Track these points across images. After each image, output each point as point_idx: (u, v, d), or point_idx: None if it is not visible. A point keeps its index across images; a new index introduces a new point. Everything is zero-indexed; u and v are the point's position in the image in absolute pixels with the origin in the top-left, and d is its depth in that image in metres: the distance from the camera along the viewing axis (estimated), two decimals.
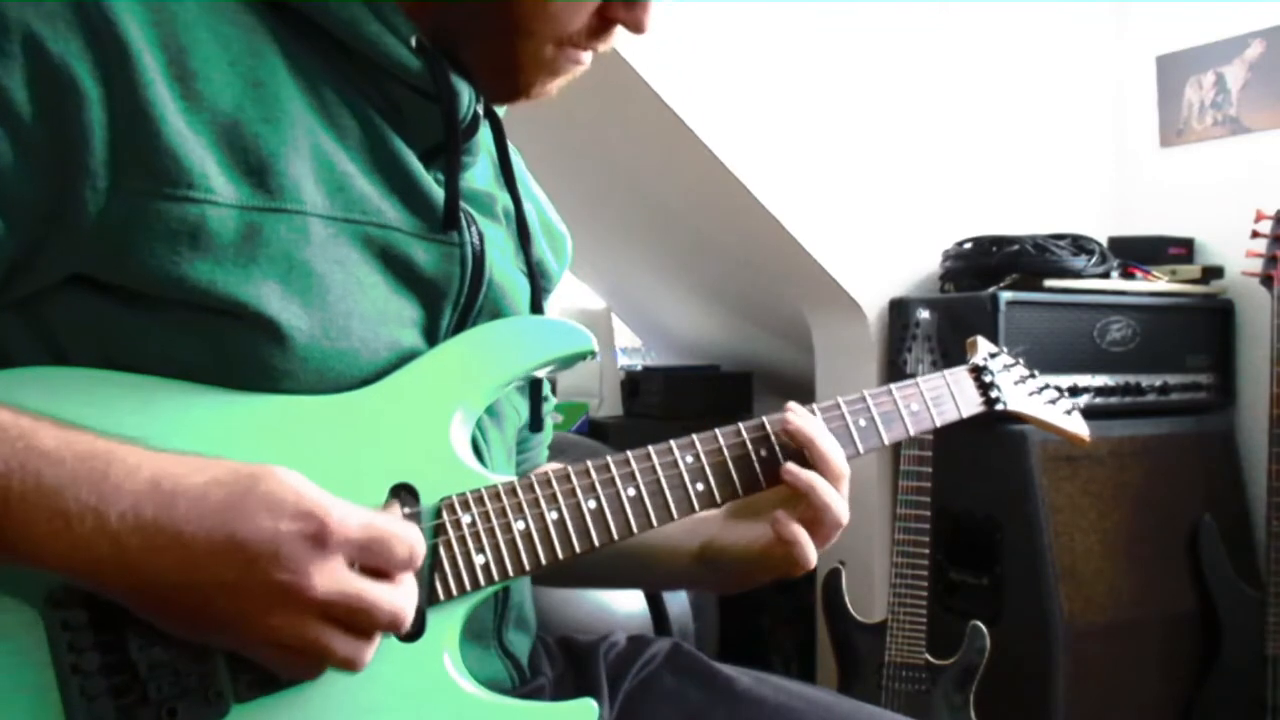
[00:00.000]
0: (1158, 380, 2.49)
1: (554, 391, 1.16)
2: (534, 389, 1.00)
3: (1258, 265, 2.35)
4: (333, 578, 0.70)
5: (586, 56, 0.89)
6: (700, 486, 0.90)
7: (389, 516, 0.75)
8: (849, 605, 2.27)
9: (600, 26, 0.87)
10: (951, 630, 2.18)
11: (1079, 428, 1.18)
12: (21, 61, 0.69)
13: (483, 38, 0.86)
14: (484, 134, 0.94)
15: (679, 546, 1.03)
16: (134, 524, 0.67)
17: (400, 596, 0.73)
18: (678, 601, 1.95)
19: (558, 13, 0.84)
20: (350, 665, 0.72)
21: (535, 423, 1.01)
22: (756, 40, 2.40)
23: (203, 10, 0.76)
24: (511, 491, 0.83)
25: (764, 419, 0.95)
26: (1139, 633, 2.34)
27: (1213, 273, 2.62)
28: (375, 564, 0.72)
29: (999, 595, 2.30)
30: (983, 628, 2.14)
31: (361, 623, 0.71)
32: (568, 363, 0.93)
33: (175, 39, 0.73)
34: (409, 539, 0.74)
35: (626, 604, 1.78)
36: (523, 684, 0.98)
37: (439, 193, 0.86)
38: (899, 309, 2.53)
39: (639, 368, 3.65)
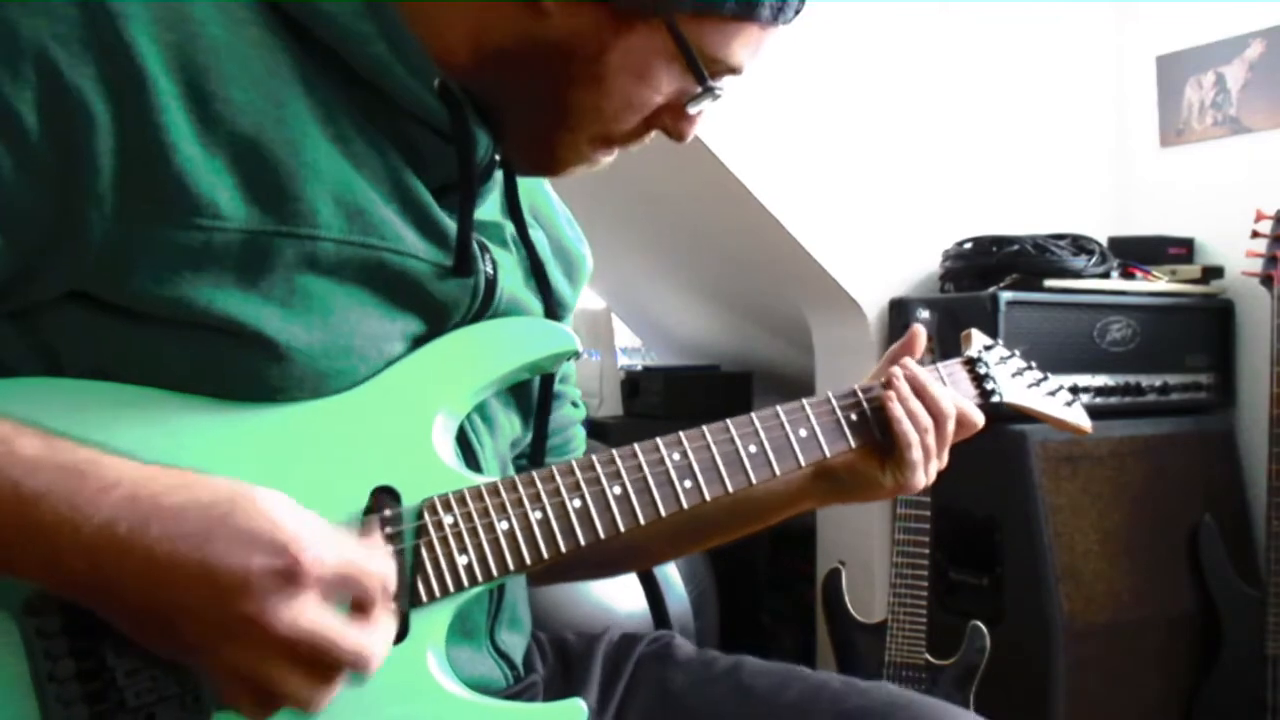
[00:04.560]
0: (1158, 380, 2.49)
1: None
2: (542, 403, 0.99)
3: (1258, 265, 2.35)
4: (298, 616, 0.68)
5: (616, 153, 0.91)
6: (688, 483, 0.89)
7: (365, 549, 0.73)
8: (849, 605, 2.27)
9: (642, 130, 0.89)
10: (951, 630, 2.18)
11: (1080, 419, 1.15)
12: (33, 83, 0.68)
13: (528, 120, 0.87)
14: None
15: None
16: (108, 540, 0.66)
17: (368, 637, 0.71)
18: (678, 601, 1.95)
19: (609, 117, 0.85)
20: (304, 706, 0.70)
21: (538, 448, 1.00)
22: None
23: (225, 31, 0.75)
24: (494, 491, 0.82)
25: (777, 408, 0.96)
26: (1139, 633, 2.34)
27: (1213, 273, 2.61)
28: (348, 599, 0.71)
29: (999, 595, 2.30)
30: (983, 628, 2.14)
31: (323, 662, 0.69)
32: (551, 363, 0.93)
33: (194, 60, 0.72)
34: (380, 572, 0.72)
35: (627, 602, 1.78)
36: (516, 683, 0.97)
37: (452, 227, 0.86)
38: (899, 309, 2.53)
39: (639, 368, 3.65)
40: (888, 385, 1.02)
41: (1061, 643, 2.22)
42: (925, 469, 1.03)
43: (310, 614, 0.68)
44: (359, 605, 0.71)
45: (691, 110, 0.88)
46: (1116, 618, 2.31)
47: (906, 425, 1.01)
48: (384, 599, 0.72)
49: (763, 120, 2.42)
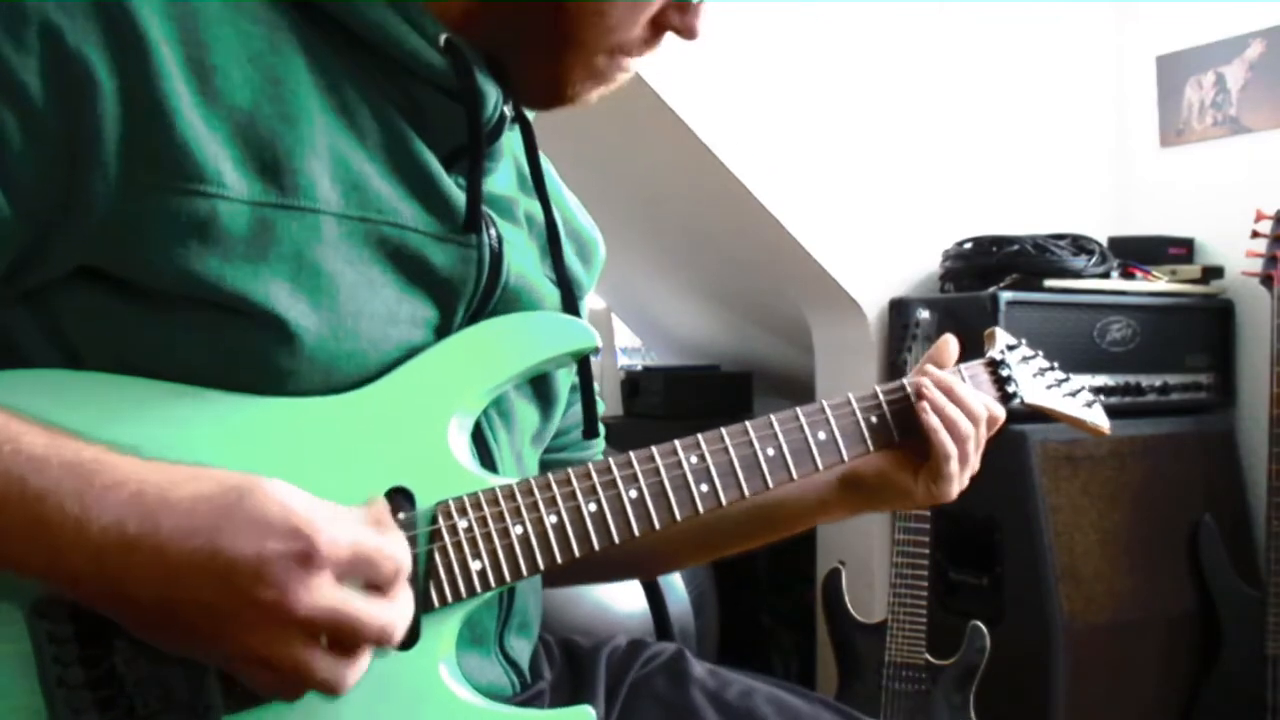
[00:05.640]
0: (1158, 380, 2.49)
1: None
2: (586, 393, 0.98)
3: (1258, 265, 2.35)
4: (318, 596, 0.68)
5: (633, 65, 0.89)
6: (704, 487, 0.88)
7: (375, 532, 0.73)
8: (849, 605, 2.27)
9: (652, 34, 0.88)
10: (951, 630, 2.18)
11: (1099, 420, 1.13)
12: (38, 51, 0.69)
13: (531, 46, 0.86)
14: (510, 139, 0.93)
15: (812, 481, 1.04)
16: (116, 539, 0.66)
17: (390, 610, 0.71)
18: (678, 601, 1.95)
19: (614, 24, 0.84)
20: (331, 688, 0.70)
21: (589, 427, 1.00)
22: (756, 39, 2.39)
23: (225, 6, 0.75)
24: (509, 495, 0.82)
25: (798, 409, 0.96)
26: (1139, 633, 2.34)
27: (1213, 273, 2.61)
28: (363, 580, 0.71)
29: (999, 595, 2.30)
30: (983, 628, 2.14)
31: (347, 639, 0.70)
32: (570, 359, 0.92)
33: (195, 34, 0.73)
34: (394, 554, 0.72)
35: (627, 604, 1.78)
36: (523, 689, 0.96)
37: (459, 196, 0.85)
38: (899, 309, 2.53)
39: (639, 368, 3.64)
40: (920, 396, 1.00)
41: (1061, 643, 2.22)
42: (961, 478, 1.02)
43: (329, 593, 0.68)
44: (375, 586, 0.72)
45: None
46: (1116, 618, 2.31)
47: (944, 436, 0.99)
48: (399, 579, 0.73)
49: (763, 120, 2.42)
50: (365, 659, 0.72)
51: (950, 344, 1.08)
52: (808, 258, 2.52)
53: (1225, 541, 2.40)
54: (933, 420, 0.99)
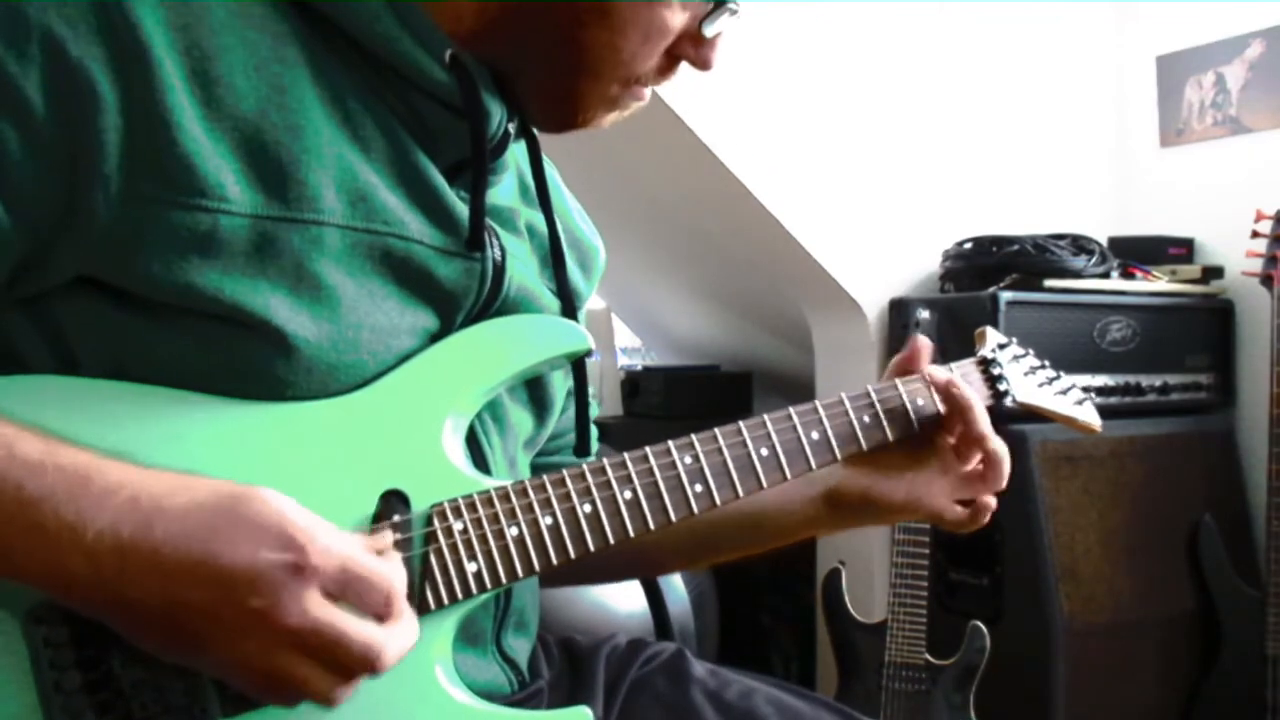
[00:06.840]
0: (1158, 380, 2.49)
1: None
2: (581, 405, 0.98)
3: (1258, 265, 2.35)
4: (306, 608, 0.67)
5: (648, 92, 0.89)
6: (699, 488, 0.88)
7: (371, 556, 0.72)
8: (849, 605, 2.27)
9: (667, 64, 0.88)
10: (951, 630, 2.18)
11: (1090, 417, 1.13)
12: (40, 62, 0.68)
13: (545, 74, 0.86)
14: (513, 149, 0.93)
15: (793, 494, 1.05)
16: (111, 544, 0.66)
17: (378, 634, 0.70)
18: (678, 601, 1.95)
19: (628, 56, 0.84)
20: (321, 701, 0.70)
21: (583, 438, 0.99)
22: (756, 40, 2.39)
23: (230, 15, 0.75)
24: (504, 497, 0.82)
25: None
26: (1139, 633, 2.34)
27: (1213, 273, 2.61)
28: (352, 603, 0.70)
29: (999, 595, 2.30)
30: (983, 628, 2.14)
31: (333, 657, 0.69)
32: (564, 361, 0.92)
33: (199, 44, 0.73)
34: (386, 581, 0.71)
35: (627, 603, 1.78)
36: (521, 689, 0.97)
37: (462, 209, 0.85)
38: (899, 309, 2.53)
39: (639, 368, 3.64)
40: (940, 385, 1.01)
41: (1061, 643, 2.22)
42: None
43: (316, 607, 0.68)
44: (370, 610, 0.71)
45: (708, 32, 0.86)
46: (1116, 618, 2.31)
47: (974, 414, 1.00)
48: (391, 607, 0.72)
49: (763, 120, 2.42)
50: (355, 679, 0.71)
51: (925, 347, 1.07)
52: (808, 258, 2.52)
53: (1225, 541, 2.39)
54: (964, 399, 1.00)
